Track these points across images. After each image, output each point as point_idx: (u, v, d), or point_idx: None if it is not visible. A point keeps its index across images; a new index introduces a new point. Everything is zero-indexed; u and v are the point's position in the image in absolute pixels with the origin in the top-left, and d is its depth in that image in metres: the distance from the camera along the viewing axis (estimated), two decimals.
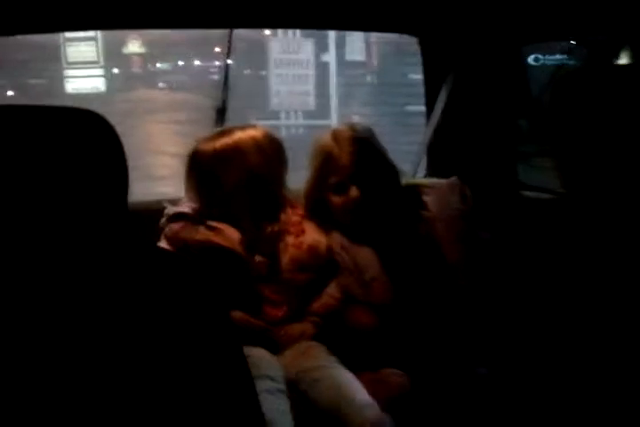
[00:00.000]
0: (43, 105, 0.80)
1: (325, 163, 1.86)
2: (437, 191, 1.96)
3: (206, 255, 1.74)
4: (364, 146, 1.86)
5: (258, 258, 1.81)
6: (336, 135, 1.88)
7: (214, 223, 1.80)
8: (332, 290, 1.86)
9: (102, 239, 0.82)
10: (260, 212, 1.84)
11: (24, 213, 0.77)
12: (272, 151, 1.83)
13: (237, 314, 1.70)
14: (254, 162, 1.79)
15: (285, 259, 1.82)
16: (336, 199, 1.86)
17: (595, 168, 0.99)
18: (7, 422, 0.72)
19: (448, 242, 1.87)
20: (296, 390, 1.63)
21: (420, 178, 2.41)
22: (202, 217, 1.82)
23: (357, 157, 1.83)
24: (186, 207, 1.85)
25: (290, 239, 1.85)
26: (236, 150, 1.79)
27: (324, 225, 1.91)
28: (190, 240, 1.76)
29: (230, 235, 1.78)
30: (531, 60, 2.90)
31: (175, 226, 1.80)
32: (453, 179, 2.01)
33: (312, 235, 1.87)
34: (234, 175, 1.78)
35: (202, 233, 1.78)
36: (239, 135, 1.81)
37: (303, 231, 1.87)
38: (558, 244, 1.11)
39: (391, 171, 1.92)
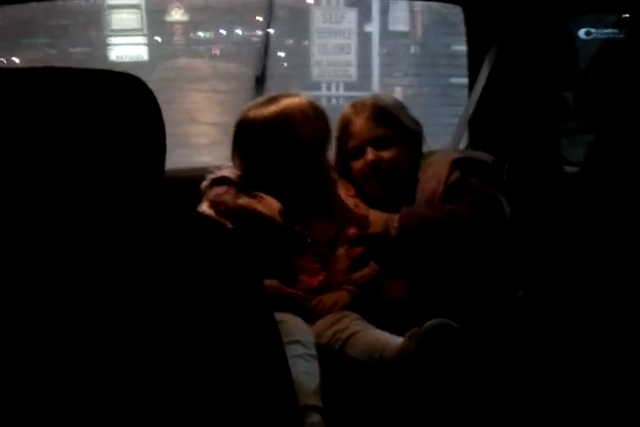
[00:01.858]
0: (82, 68, 0.81)
1: (342, 130, 1.88)
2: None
3: (245, 221, 1.76)
4: (382, 112, 1.86)
5: (297, 228, 1.82)
6: (356, 104, 1.91)
7: (257, 192, 1.82)
8: (373, 262, 1.86)
9: (139, 205, 0.83)
10: (305, 182, 1.85)
11: (59, 175, 0.78)
12: (319, 121, 1.83)
13: (272, 282, 1.72)
14: (302, 131, 1.79)
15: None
16: (355, 165, 1.88)
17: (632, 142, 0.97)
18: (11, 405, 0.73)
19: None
20: (329, 357, 1.66)
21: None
22: (245, 185, 1.83)
23: (373, 122, 1.84)
24: (230, 173, 1.86)
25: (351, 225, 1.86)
26: (286, 119, 1.78)
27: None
28: (232, 204, 1.77)
29: (271, 204, 1.79)
30: (582, 33, 2.81)
31: (219, 189, 1.81)
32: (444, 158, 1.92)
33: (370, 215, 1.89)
34: (282, 144, 1.78)
35: (244, 199, 1.79)
36: (287, 103, 1.81)
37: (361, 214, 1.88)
38: (595, 218, 1.09)
39: (413, 138, 1.91)
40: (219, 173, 1.85)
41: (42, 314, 0.75)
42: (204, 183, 1.84)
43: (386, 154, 1.84)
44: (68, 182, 0.79)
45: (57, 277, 0.77)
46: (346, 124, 1.88)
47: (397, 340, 1.55)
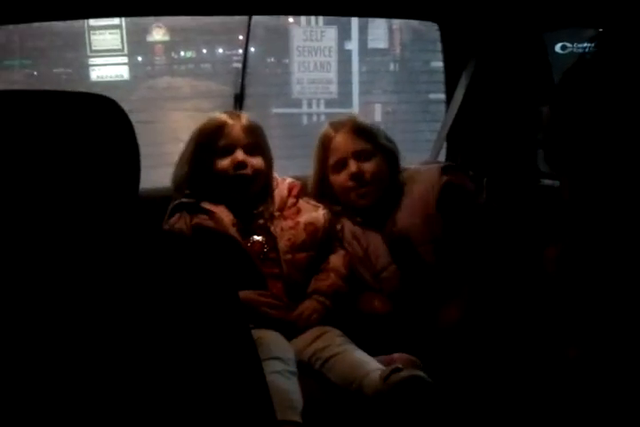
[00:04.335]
0: (56, 90, 0.82)
1: (323, 146, 1.94)
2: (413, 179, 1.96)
3: (201, 239, 1.77)
4: (360, 128, 1.93)
5: (253, 239, 1.84)
6: (333, 122, 1.98)
7: (207, 205, 1.83)
8: (338, 267, 1.87)
9: (111, 225, 0.83)
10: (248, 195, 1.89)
11: (33, 198, 0.78)
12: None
13: (247, 294, 1.72)
14: None
15: (283, 241, 1.84)
16: (337, 178, 1.91)
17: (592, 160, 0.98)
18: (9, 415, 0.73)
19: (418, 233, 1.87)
20: (310, 373, 1.65)
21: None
22: (198, 200, 1.86)
23: (353, 136, 1.91)
24: (182, 197, 1.89)
25: (287, 223, 1.87)
26: None
27: (335, 212, 1.94)
28: (187, 229, 1.79)
29: (223, 218, 1.80)
30: (558, 48, 2.85)
31: (172, 220, 1.84)
32: (432, 167, 2.02)
33: (308, 212, 1.91)
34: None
35: (196, 218, 1.81)
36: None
37: (299, 211, 1.90)
38: (570, 231, 1.11)
39: (389, 151, 1.94)
40: (174, 202, 1.88)
41: (21, 327, 0.75)
42: (165, 218, 1.87)
43: (367, 165, 1.89)
44: (37, 203, 0.79)
45: (36, 292, 0.77)
46: (326, 142, 1.93)
47: (376, 372, 1.55)
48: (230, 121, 1.88)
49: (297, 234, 1.86)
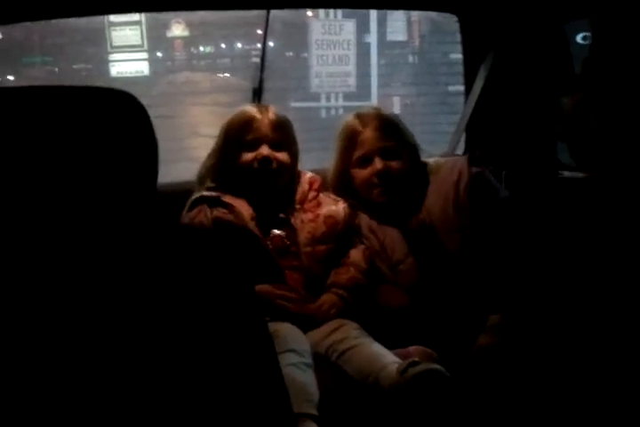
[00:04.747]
0: (75, 85, 0.82)
1: (349, 139, 1.91)
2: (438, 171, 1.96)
3: (220, 232, 1.78)
4: (388, 124, 1.92)
5: (274, 232, 1.84)
6: (359, 114, 1.95)
7: (228, 199, 1.84)
8: (358, 261, 1.87)
9: (129, 219, 0.84)
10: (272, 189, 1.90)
11: (52, 191, 0.79)
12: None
13: (263, 287, 1.73)
14: None
15: (303, 233, 1.86)
16: (361, 173, 1.90)
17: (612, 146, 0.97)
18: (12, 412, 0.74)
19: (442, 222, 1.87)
20: (326, 365, 1.66)
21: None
22: (221, 192, 1.87)
23: (381, 133, 1.89)
24: (204, 190, 1.90)
25: (307, 215, 1.88)
26: None
27: (352, 206, 1.94)
28: (207, 222, 1.80)
29: (242, 213, 1.82)
30: (579, 38, 2.82)
31: (192, 213, 1.85)
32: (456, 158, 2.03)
33: (328, 206, 1.92)
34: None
35: (216, 211, 1.82)
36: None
37: (319, 205, 1.91)
38: (591, 223, 1.10)
39: (412, 148, 1.94)
40: (193, 197, 1.89)
41: (37, 320, 0.77)
42: (184, 212, 1.88)
43: (393, 164, 1.88)
44: (60, 195, 0.80)
45: (55, 284, 0.78)
46: (353, 134, 1.91)
47: (393, 365, 1.55)
48: (259, 115, 1.89)
49: (317, 226, 1.87)
